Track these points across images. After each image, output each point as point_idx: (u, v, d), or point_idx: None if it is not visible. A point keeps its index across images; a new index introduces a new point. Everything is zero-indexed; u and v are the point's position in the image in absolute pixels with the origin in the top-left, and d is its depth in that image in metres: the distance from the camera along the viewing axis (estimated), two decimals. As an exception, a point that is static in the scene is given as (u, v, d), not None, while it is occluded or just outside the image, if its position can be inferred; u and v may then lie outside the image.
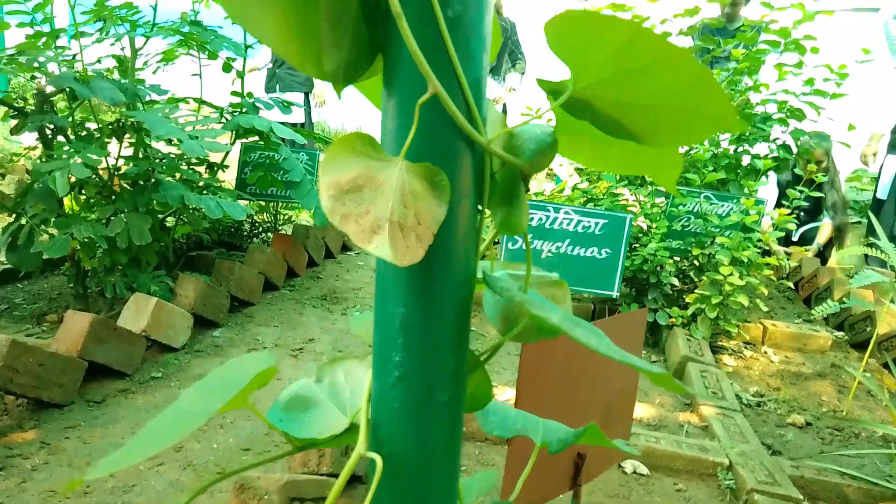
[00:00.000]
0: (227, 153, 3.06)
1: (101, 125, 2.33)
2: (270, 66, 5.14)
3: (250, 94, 3.18)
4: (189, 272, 2.93)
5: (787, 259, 3.06)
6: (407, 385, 0.49)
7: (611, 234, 2.30)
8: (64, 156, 2.05)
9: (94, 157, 2.08)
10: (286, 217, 3.90)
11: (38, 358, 1.74)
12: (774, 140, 2.95)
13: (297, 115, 5.19)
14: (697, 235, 2.66)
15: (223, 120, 3.08)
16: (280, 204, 3.72)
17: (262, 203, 3.68)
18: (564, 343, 1.17)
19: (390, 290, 0.49)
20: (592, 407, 1.18)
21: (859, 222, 5.07)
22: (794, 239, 4.24)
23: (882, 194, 4.41)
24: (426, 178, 0.44)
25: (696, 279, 2.71)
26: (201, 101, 3.03)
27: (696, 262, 2.68)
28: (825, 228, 4.18)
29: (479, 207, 0.51)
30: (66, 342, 1.90)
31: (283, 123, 4.88)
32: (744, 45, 2.95)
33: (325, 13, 0.43)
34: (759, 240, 2.60)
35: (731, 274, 2.48)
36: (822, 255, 4.32)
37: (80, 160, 2.03)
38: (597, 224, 2.31)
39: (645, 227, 2.81)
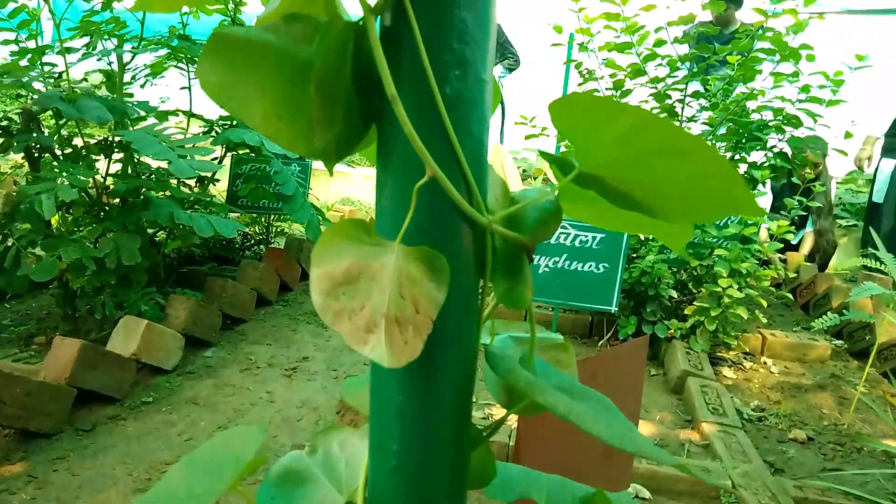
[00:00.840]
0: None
1: (87, 143, 2.28)
2: None
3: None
4: (180, 289, 2.89)
5: (785, 269, 3.03)
6: (404, 475, 0.46)
7: (608, 249, 2.28)
8: (51, 177, 2.00)
9: (82, 177, 2.04)
10: (278, 229, 3.86)
11: (25, 388, 1.70)
12: (771, 148, 2.93)
13: None
14: (696, 246, 2.64)
15: (213, 133, 3.05)
16: (272, 216, 3.68)
17: (255, 215, 3.63)
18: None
19: (386, 376, 0.45)
20: (593, 444, 1.15)
21: (855, 225, 5.07)
22: (794, 243, 4.23)
23: (878, 197, 4.41)
24: (424, 261, 0.41)
25: (694, 291, 2.69)
26: (191, 115, 2.99)
27: (694, 272, 2.65)
28: (808, 238, 4.18)
29: (481, 282, 0.48)
30: (54, 369, 1.86)
31: None
32: (738, 52, 2.93)
33: (317, 90, 0.40)
34: (758, 250, 2.57)
35: (729, 286, 2.46)
36: (815, 259, 4.32)
37: (66, 181, 1.98)
38: (594, 238, 2.28)
39: (642, 237, 2.78)
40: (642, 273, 2.58)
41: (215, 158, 3.02)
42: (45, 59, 2.39)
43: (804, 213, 3.29)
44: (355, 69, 0.42)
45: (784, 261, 3.60)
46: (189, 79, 2.90)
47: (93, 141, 2.37)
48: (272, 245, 3.67)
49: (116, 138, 2.30)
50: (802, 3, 2.84)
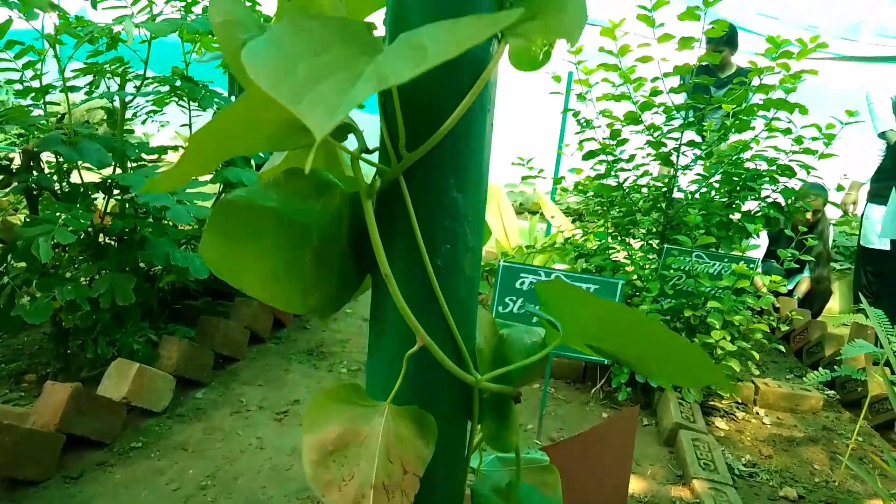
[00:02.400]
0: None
1: (85, 183, 2.29)
2: None
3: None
4: (173, 325, 2.88)
5: (778, 319, 3.04)
6: None
7: (602, 300, 2.28)
8: (49, 219, 2.01)
9: (81, 220, 2.04)
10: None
11: (13, 436, 1.69)
12: (765, 199, 2.96)
13: None
14: (690, 296, 2.65)
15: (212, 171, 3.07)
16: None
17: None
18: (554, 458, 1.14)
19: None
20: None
21: (850, 268, 5.08)
22: (790, 288, 4.25)
23: (864, 242, 4.46)
24: (413, 420, 0.42)
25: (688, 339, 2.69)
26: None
27: (688, 321, 2.66)
28: (804, 282, 4.21)
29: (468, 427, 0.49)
30: (44, 415, 1.85)
31: None
32: (734, 102, 2.97)
33: (314, 257, 0.41)
34: (754, 300, 2.59)
35: (723, 338, 2.47)
36: (811, 305, 4.34)
37: (65, 224, 1.99)
38: (589, 289, 2.29)
39: (636, 279, 2.79)
40: (636, 322, 2.58)
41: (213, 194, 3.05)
42: (49, 97, 2.42)
43: (797, 266, 3.32)
44: (352, 232, 0.43)
45: (777, 308, 3.62)
46: (189, 116, 2.92)
47: (93, 179, 2.38)
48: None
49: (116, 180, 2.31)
50: (796, 56, 2.89)
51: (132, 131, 2.88)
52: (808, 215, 3.91)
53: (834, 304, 4.98)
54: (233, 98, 2.84)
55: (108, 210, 2.52)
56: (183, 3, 2.70)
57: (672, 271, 2.61)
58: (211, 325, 2.66)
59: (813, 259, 3.97)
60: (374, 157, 0.42)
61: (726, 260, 2.74)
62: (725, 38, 4.23)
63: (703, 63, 3.00)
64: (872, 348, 2.24)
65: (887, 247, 4.35)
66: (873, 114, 4.11)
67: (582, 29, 0.37)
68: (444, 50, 0.26)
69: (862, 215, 4.59)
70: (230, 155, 0.40)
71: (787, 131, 2.81)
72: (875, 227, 4.42)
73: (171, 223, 2.55)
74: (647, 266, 2.71)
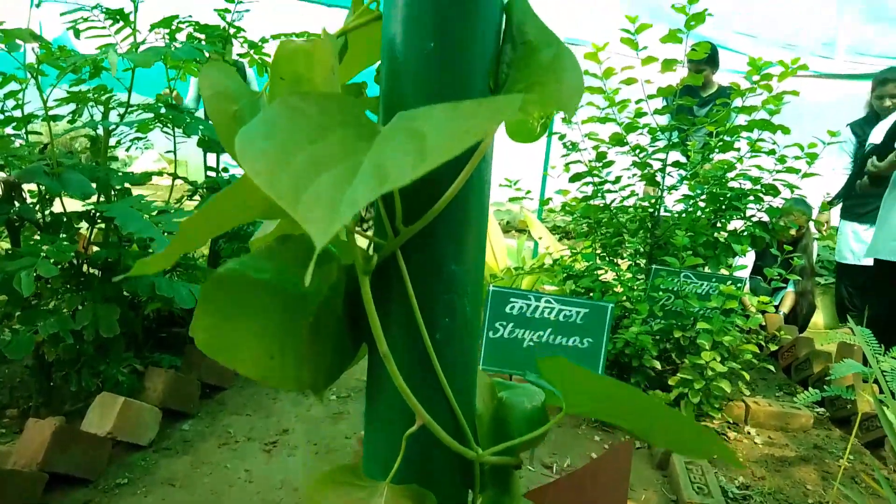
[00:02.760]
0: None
1: (69, 213, 2.25)
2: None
3: (225, 169, 3.15)
4: (159, 353, 2.84)
5: (766, 337, 3.05)
6: None
7: (592, 324, 2.28)
8: (31, 252, 1.97)
9: (64, 252, 2.01)
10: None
11: (-7, 478, 1.64)
12: (750, 218, 2.98)
13: None
14: (679, 317, 2.65)
15: (198, 196, 3.05)
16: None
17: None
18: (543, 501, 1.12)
19: None
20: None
21: (833, 283, 5.13)
22: (776, 304, 4.28)
23: (838, 257, 4.53)
24: (413, 499, 0.40)
25: (678, 361, 2.69)
26: (175, 177, 2.99)
27: (679, 342, 2.66)
28: (789, 297, 4.24)
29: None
30: (26, 454, 1.80)
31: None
32: (717, 123, 3.01)
33: (309, 331, 0.40)
34: (743, 320, 2.60)
35: (713, 359, 2.47)
36: (796, 319, 4.37)
37: (47, 255, 1.96)
38: (578, 313, 2.29)
39: (625, 300, 2.79)
40: (626, 344, 2.58)
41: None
42: (31, 126, 2.39)
43: (782, 284, 3.34)
44: (348, 303, 0.42)
45: (764, 326, 3.64)
46: (174, 143, 2.90)
47: (76, 207, 2.35)
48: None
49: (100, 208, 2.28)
50: (778, 77, 2.93)
51: (116, 158, 2.86)
52: (792, 231, 3.95)
53: (818, 318, 5.02)
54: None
55: (92, 239, 2.49)
56: (167, 31, 2.70)
57: (661, 293, 2.61)
58: (197, 354, 2.62)
59: (798, 277, 4.01)
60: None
61: (714, 280, 2.75)
62: (707, 58, 4.30)
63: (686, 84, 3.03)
64: (861, 368, 2.24)
65: (862, 262, 4.41)
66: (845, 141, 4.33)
67: (579, 99, 0.36)
68: (446, 146, 0.25)
69: (837, 232, 4.66)
70: (221, 231, 0.39)
71: (772, 152, 2.84)
72: (848, 243, 4.48)
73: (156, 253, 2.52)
74: (636, 287, 2.71)
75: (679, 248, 2.64)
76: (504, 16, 0.39)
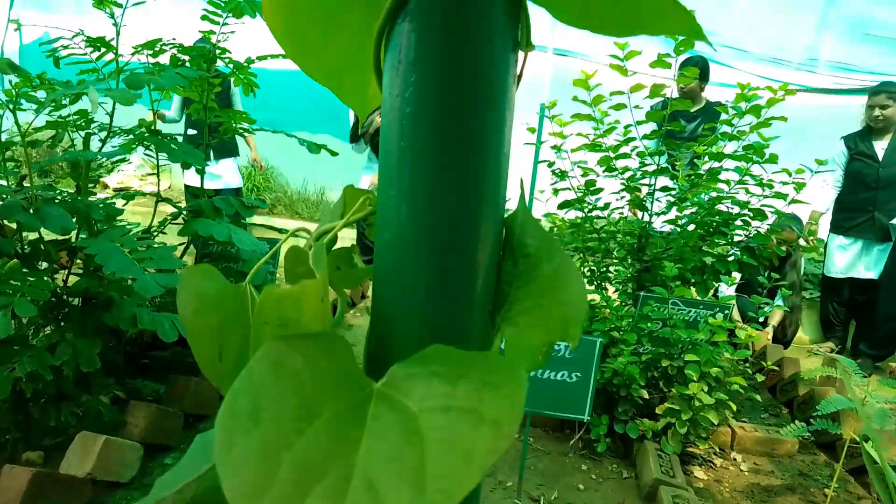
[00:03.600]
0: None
1: (46, 242, 2.20)
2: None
3: (210, 192, 3.10)
4: (141, 380, 2.80)
5: (751, 366, 3.06)
6: None
7: (581, 358, 2.27)
8: (9, 290, 1.92)
9: (42, 290, 1.96)
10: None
11: (-32, 531, 1.60)
12: (738, 243, 2.98)
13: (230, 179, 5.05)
14: (667, 345, 2.65)
15: (181, 220, 2.99)
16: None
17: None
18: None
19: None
20: None
21: (818, 297, 5.16)
22: (761, 320, 4.30)
23: (827, 272, 4.57)
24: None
25: (665, 389, 2.69)
26: (158, 199, 2.94)
27: (666, 371, 2.66)
28: (777, 312, 4.26)
29: None
30: (1, 502, 1.76)
31: (220, 191, 4.68)
32: (706, 145, 3.01)
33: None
34: (731, 351, 2.60)
35: (700, 390, 2.47)
36: (784, 333, 4.40)
37: (25, 294, 1.91)
38: (567, 348, 2.28)
39: (613, 329, 2.78)
40: (614, 373, 2.57)
41: (182, 244, 2.98)
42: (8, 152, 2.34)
43: (774, 287, 3.35)
44: None
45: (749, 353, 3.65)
46: (157, 167, 2.85)
47: (55, 238, 2.30)
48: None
49: (80, 238, 2.23)
50: (766, 103, 2.94)
51: (97, 178, 2.81)
52: (783, 246, 3.96)
53: (802, 332, 5.06)
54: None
55: (72, 269, 2.44)
56: (150, 52, 2.65)
57: (650, 323, 2.60)
58: (180, 385, 2.57)
59: (788, 292, 4.02)
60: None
61: (702, 307, 2.75)
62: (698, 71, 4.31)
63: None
64: (847, 403, 2.25)
65: (849, 275, 4.45)
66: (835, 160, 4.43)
67: (582, 319, 0.34)
68: (450, 488, 0.23)
69: (825, 245, 4.69)
70: None
71: (760, 182, 2.85)
72: (834, 257, 4.52)
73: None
74: (624, 315, 2.70)
75: (668, 277, 2.63)
76: (504, 230, 0.37)
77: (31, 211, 2.00)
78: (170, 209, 2.90)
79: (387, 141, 0.35)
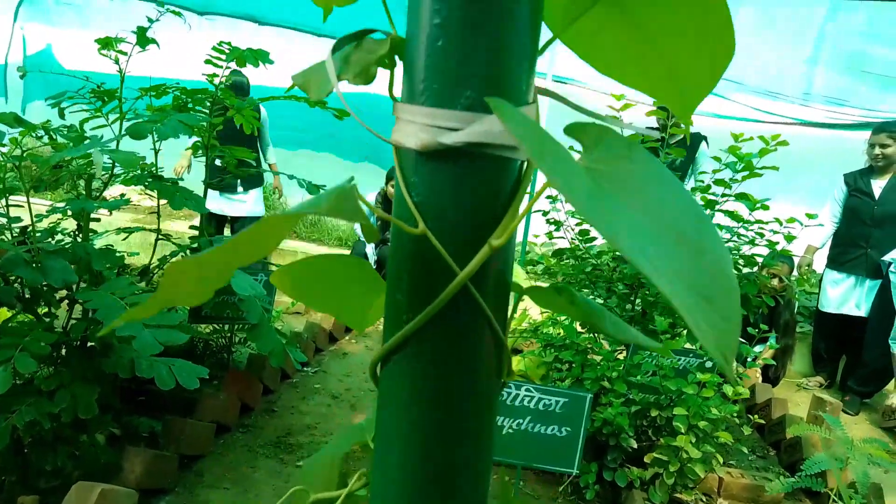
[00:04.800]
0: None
1: (47, 292, 2.23)
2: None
3: (210, 229, 3.14)
4: (137, 417, 2.82)
5: (744, 420, 3.10)
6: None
7: (571, 413, 2.31)
8: (8, 343, 1.96)
9: (43, 343, 2.00)
10: (240, 338, 3.78)
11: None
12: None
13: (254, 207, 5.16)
14: (657, 394, 2.69)
15: (181, 256, 3.02)
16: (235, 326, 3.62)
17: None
18: None
19: None
20: None
21: (810, 330, 5.21)
22: (750, 359, 4.34)
23: (822, 306, 4.62)
24: None
25: (654, 438, 2.73)
26: (159, 235, 2.98)
27: (655, 421, 2.70)
28: (768, 351, 4.31)
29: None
30: (-2, 558, 1.79)
31: (243, 218, 4.84)
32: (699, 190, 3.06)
33: None
34: (719, 404, 2.64)
35: (688, 442, 2.51)
36: (776, 370, 4.44)
37: (25, 349, 1.94)
38: (557, 402, 2.31)
39: (604, 379, 2.82)
40: (604, 423, 2.62)
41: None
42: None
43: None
44: None
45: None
46: (158, 205, 2.89)
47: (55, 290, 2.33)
48: (233, 352, 3.61)
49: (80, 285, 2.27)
50: (758, 153, 2.99)
51: (99, 219, 2.84)
52: (775, 282, 4.01)
53: (793, 366, 5.11)
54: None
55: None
56: (153, 93, 2.69)
57: (639, 376, 2.65)
58: (176, 427, 2.60)
59: (780, 329, 4.07)
60: None
61: (692, 356, 2.80)
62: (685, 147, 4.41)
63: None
64: (832, 464, 2.30)
65: (841, 311, 4.51)
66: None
67: None
68: None
69: (820, 280, 4.75)
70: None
71: (752, 242, 2.90)
72: (829, 291, 4.58)
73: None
74: (613, 364, 2.74)
75: (659, 332, 2.68)
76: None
77: (34, 265, 2.04)
78: (174, 224, 2.93)
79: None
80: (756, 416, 3.54)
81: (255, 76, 6.54)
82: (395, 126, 0.36)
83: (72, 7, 7.08)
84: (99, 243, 3.06)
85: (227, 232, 5.14)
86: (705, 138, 3.60)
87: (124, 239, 3.08)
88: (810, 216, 2.93)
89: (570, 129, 0.35)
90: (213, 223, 5.04)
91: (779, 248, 3.02)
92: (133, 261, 4.03)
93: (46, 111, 2.46)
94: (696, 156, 4.49)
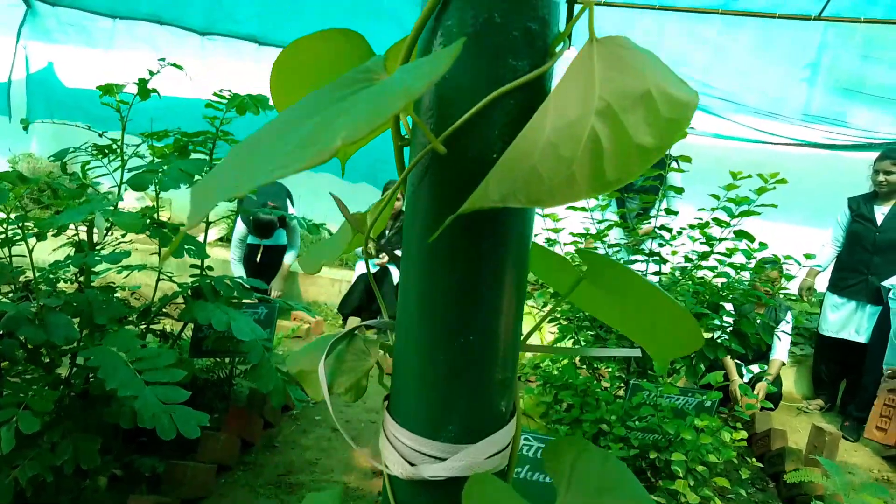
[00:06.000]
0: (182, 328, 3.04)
1: (52, 355, 2.25)
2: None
3: (210, 268, 3.15)
4: (139, 457, 2.84)
5: (738, 465, 3.11)
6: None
7: (569, 462, 2.32)
8: (11, 402, 1.98)
9: (45, 400, 2.02)
10: (240, 371, 3.79)
11: None
12: (725, 330, 3.04)
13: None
14: (655, 437, 2.71)
15: (181, 298, 3.04)
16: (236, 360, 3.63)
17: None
18: None
19: None
20: None
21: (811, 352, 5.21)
22: (745, 381, 4.36)
23: (822, 330, 4.63)
24: None
25: (652, 479, 2.75)
26: (160, 276, 3.00)
27: (655, 462, 2.72)
28: (774, 364, 4.31)
29: None
30: None
31: (273, 247, 5.09)
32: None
33: None
34: (718, 446, 2.66)
35: (687, 486, 2.53)
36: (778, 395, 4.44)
37: (27, 409, 1.96)
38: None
39: (603, 423, 2.84)
40: (602, 466, 2.63)
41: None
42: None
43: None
44: None
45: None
46: (159, 248, 2.91)
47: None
48: (234, 385, 3.63)
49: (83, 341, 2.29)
50: (738, 214, 2.99)
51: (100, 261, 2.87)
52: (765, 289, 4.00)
53: (792, 388, 5.13)
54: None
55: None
56: (154, 139, 2.71)
57: (638, 422, 2.66)
58: (178, 471, 2.63)
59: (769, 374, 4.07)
60: None
61: (690, 394, 2.81)
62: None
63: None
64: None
65: (840, 335, 4.52)
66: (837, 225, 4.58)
67: None
68: None
69: (822, 303, 4.76)
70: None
71: (744, 267, 2.92)
72: (829, 316, 4.59)
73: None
74: (614, 408, 2.76)
75: (657, 374, 2.70)
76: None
77: (37, 321, 2.06)
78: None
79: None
80: (756, 448, 3.56)
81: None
82: (381, 436, 0.38)
83: (74, 27, 7.11)
84: (98, 282, 3.09)
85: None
86: (676, 159, 3.60)
87: (125, 277, 3.10)
88: (808, 256, 2.94)
89: (546, 456, 0.37)
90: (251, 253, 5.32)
91: (776, 287, 3.02)
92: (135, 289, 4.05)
93: (50, 131, 2.49)
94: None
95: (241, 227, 5.25)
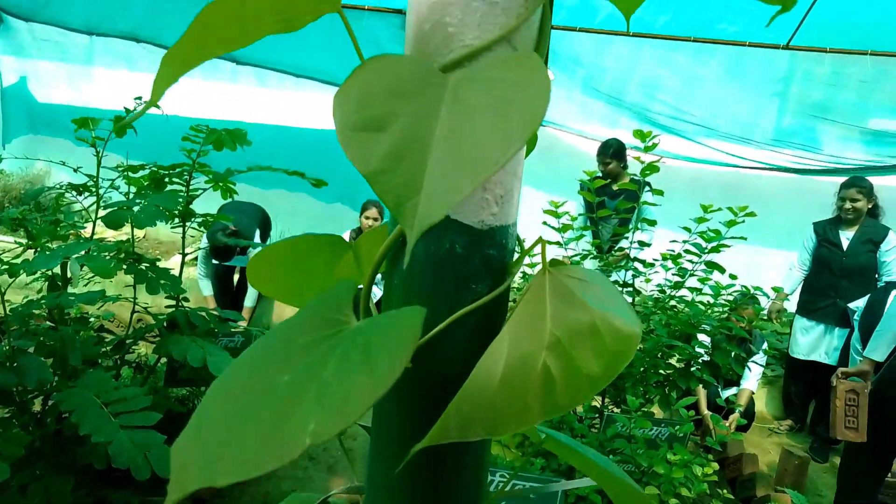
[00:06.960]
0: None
1: (24, 399, 2.23)
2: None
3: (186, 299, 3.13)
4: (112, 491, 2.81)
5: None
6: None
7: (545, 501, 2.35)
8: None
9: (17, 444, 1.99)
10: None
11: None
12: (698, 359, 3.10)
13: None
14: (629, 468, 2.75)
15: (156, 332, 3.02)
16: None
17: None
18: None
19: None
20: None
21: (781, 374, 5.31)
22: (722, 404, 4.42)
23: (791, 352, 4.73)
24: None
25: (626, 511, 2.78)
26: (135, 307, 2.97)
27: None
28: (744, 394, 4.39)
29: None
30: None
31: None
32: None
33: None
34: (689, 480, 2.70)
35: (660, 520, 2.57)
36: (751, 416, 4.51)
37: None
38: (528, 486, 2.35)
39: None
40: (577, 499, 2.66)
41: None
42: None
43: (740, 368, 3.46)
44: None
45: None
46: (134, 284, 2.89)
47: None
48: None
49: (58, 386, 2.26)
50: (710, 249, 3.06)
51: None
52: (742, 325, 4.08)
53: (764, 408, 5.22)
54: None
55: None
56: (130, 172, 2.70)
57: (612, 455, 2.70)
58: (152, 508, 2.60)
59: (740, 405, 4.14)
60: None
61: (663, 425, 2.86)
62: (612, 152, 4.50)
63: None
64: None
65: (810, 358, 4.62)
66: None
67: None
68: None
69: (791, 326, 4.86)
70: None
71: (723, 322, 2.98)
72: (799, 339, 4.69)
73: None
74: (589, 440, 2.80)
75: (630, 408, 2.74)
76: None
77: (9, 365, 2.03)
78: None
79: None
80: (727, 471, 3.63)
81: (254, 116, 6.58)
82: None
83: (49, 42, 7.02)
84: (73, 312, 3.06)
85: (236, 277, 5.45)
86: (648, 183, 3.68)
87: (100, 308, 3.08)
88: (777, 290, 3.02)
89: None
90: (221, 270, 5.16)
91: (746, 321, 3.09)
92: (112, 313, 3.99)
93: (22, 145, 2.46)
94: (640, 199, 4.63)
95: (206, 243, 5.13)
